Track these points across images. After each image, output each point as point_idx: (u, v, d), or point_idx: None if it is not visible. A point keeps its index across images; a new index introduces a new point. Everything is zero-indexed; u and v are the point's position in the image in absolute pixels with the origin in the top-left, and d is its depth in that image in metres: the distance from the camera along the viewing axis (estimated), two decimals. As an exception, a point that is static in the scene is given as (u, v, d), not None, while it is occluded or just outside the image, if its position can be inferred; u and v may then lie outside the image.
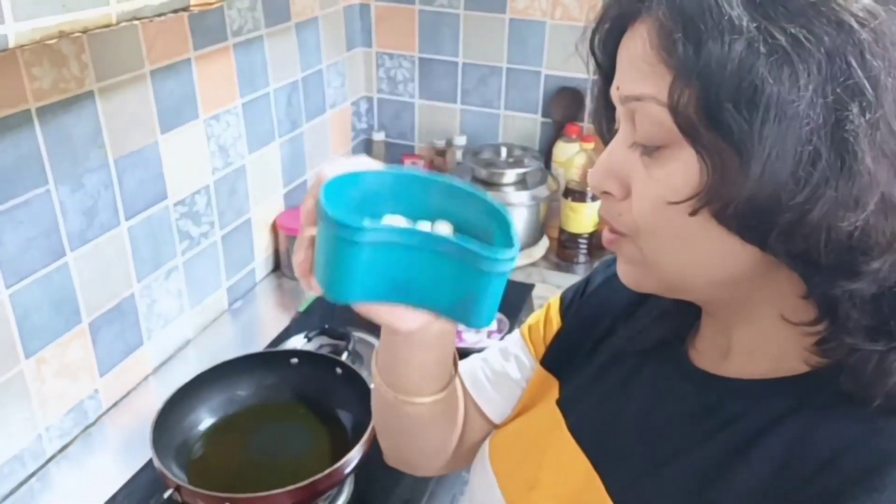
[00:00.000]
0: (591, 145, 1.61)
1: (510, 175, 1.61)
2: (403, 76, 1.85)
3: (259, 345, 1.35)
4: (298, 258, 0.51)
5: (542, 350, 0.73)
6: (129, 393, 1.26)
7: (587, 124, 1.74)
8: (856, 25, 0.42)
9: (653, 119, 0.47)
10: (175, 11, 0.77)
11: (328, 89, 1.71)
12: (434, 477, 1.04)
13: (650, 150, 0.49)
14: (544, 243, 1.71)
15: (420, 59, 1.81)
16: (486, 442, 0.70)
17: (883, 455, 0.46)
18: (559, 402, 0.65)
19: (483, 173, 1.62)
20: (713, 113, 0.44)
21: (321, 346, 1.16)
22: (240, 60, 1.37)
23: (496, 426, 0.73)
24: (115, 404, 1.23)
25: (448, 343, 0.64)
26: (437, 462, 0.75)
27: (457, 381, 0.70)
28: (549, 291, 1.57)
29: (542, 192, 1.63)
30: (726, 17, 0.43)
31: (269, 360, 1.03)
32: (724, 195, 0.45)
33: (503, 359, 0.76)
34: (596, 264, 0.74)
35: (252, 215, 1.51)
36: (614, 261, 0.69)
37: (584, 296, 0.72)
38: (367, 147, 1.93)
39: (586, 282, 0.73)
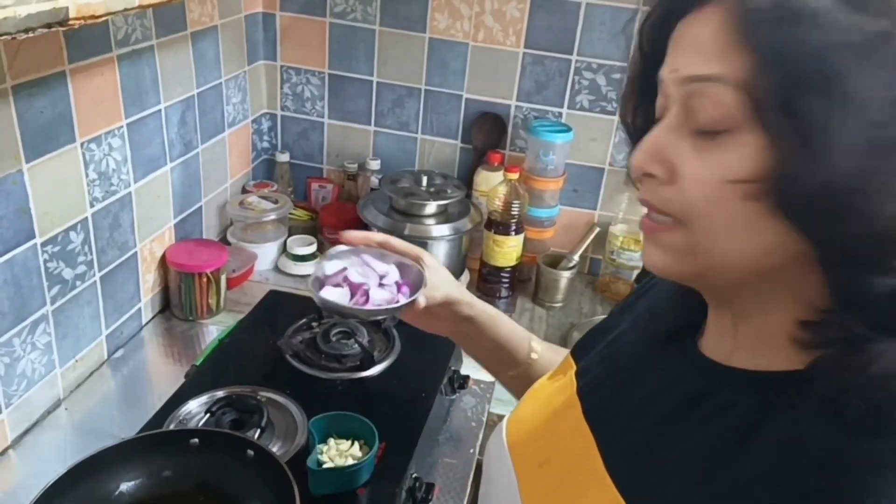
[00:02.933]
0: (515, 175, 1.52)
1: (431, 206, 1.49)
2: (311, 93, 1.69)
3: (145, 404, 1.15)
4: None
5: None
6: (-18, 473, 1.04)
7: (509, 152, 1.65)
8: None
9: (717, 101, 0.47)
10: (48, 26, 0.60)
11: (227, 106, 1.53)
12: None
13: (708, 134, 0.48)
14: (465, 278, 1.60)
15: (330, 75, 1.66)
16: (505, 421, 0.73)
17: (874, 465, 0.45)
18: (579, 391, 0.67)
19: (402, 203, 1.49)
20: (792, 99, 0.44)
21: (225, 415, 0.99)
22: (125, 74, 1.18)
23: None
24: (-37, 489, 1.01)
25: (491, 339, 0.88)
26: None
27: (546, 356, 0.88)
28: (473, 332, 1.46)
29: (465, 224, 1.52)
30: (815, 4, 0.43)
31: (162, 443, 0.85)
32: (791, 182, 0.45)
33: None
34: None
35: (139, 250, 1.31)
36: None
37: (625, 301, 0.78)
38: (270, 168, 1.76)
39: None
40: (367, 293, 0.82)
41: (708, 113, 0.48)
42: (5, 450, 1.08)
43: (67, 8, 0.60)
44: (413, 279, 0.85)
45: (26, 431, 1.12)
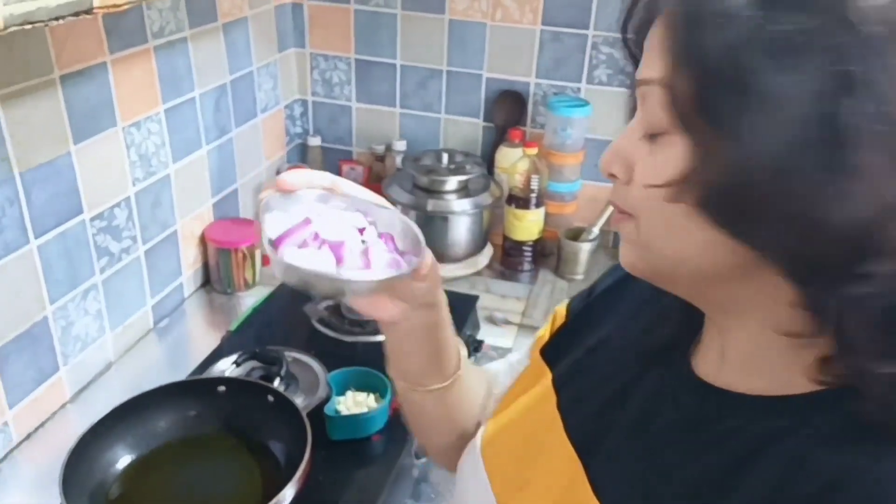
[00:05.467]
0: (534, 150, 1.57)
1: (452, 182, 1.56)
2: (339, 78, 1.78)
3: (187, 367, 1.26)
4: None
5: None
6: (43, 423, 1.16)
7: (530, 129, 1.71)
8: (864, 22, 0.41)
9: (655, 104, 0.48)
10: (76, 14, 0.69)
11: (259, 92, 1.63)
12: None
13: (654, 136, 0.49)
14: (488, 251, 1.67)
15: (356, 60, 1.75)
16: (479, 439, 0.69)
17: (882, 486, 0.44)
18: (559, 406, 0.65)
19: (424, 180, 1.57)
20: (705, 97, 0.45)
21: (251, 371, 1.09)
22: (161, 64, 1.29)
23: None
24: (27, 437, 1.13)
25: (440, 337, 0.68)
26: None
27: (468, 375, 0.74)
28: (495, 302, 1.53)
29: (485, 199, 1.59)
30: (728, 5, 0.43)
31: (194, 389, 0.96)
32: (707, 182, 0.45)
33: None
34: (604, 271, 0.77)
35: (179, 227, 1.42)
36: (619, 266, 0.71)
37: (591, 297, 0.73)
38: (303, 153, 1.86)
39: (592, 286, 0.75)
40: (365, 255, 0.57)
41: (651, 114, 0.49)
42: (64, 404, 1.20)
43: (92, -2, 0.70)
44: (392, 230, 0.61)
45: (82, 389, 1.24)
